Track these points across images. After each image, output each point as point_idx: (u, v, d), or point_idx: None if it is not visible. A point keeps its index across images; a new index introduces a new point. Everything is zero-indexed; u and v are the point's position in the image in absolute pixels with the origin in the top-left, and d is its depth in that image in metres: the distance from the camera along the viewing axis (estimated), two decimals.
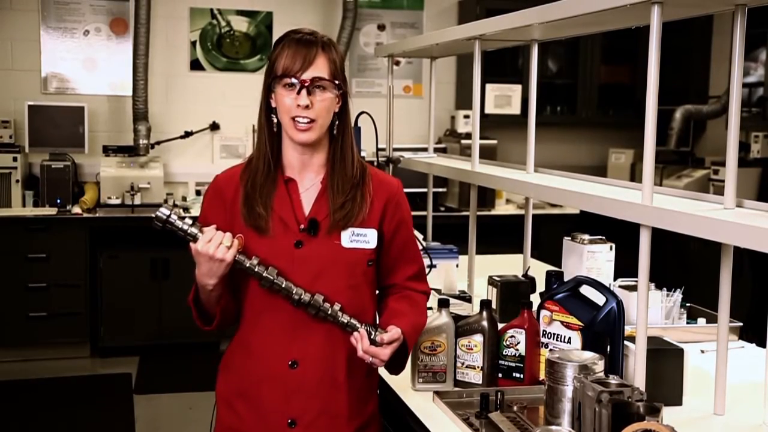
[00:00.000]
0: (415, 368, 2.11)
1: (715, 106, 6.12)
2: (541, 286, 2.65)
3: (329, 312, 1.78)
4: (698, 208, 1.83)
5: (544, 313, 2.08)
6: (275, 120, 1.84)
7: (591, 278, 2.09)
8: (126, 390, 4.87)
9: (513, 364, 2.09)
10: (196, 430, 4.20)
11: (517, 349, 2.09)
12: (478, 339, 2.11)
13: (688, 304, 2.67)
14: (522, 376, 2.08)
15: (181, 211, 5.03)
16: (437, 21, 6.38)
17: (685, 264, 5.40)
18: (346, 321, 1.79)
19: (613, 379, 1.72)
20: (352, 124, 1.97)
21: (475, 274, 3.02)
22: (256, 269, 1.77)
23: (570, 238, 2.64)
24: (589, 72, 6.51)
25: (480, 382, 2.10)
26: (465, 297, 2.73)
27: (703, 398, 2.00)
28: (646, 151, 1.81)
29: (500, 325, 2.15)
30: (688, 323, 2.60)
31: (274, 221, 1.81)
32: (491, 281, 2.73)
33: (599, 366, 1.80)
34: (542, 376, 2.03)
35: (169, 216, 1.77)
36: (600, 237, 2.61)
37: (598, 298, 2.02)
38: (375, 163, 3.01)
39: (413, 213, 1.98)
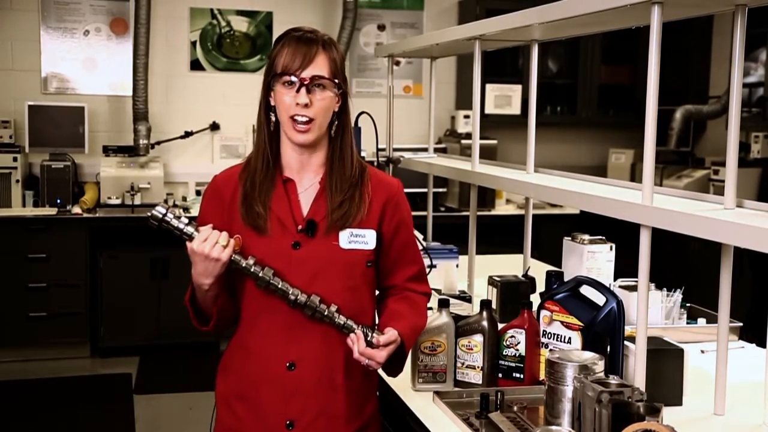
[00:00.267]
0: (415, 368, 2.11)
1: (715, 106, 6.12)
2: (541, 286, 2.65)
3: (325, 313, 1.77)
4: (698, 208, 1.83)
5: (544, 313, 2.08)
6: (274, 118, 1.84)
7: (591, 278, 2.09)
8: (126, 390, 4.87)
9: (513, 364, 2.09)
10: (196, 430, 4.20)
11: (517, 349, 2.09)
12: (478, 339, 2.11)
13: (688, 304, 2.67)
14: (522, 376, 2.08)
15: (180, 210, 5.06)
16: (437, 21, 6.39)
17: (685, 264, 5.40)
18: (342, 322, 1.78)
19: (613, 380, 1.72)
20: (352, 124, 1.96)
21: (475, 274, 3.02)
22: (252, 269, 1.76)
23: (570, 238, 2.64)
24: (589, 72, 6.51)
25: (480, 382, 2.10)
26: (465, 297, 2.73)
27: (703, 398, 2.00)
28: (646, 151, 1.81)
29: (500, 325, 2.15)
30: (688, 323, 2.60)
31: (272, 221, 1.80)
32: (491, 281, 2.73)
33: (599, 366, 1.80)
34: (542, 376, 2.03)
35: (165, 215, 1.76)
36: (600, 237, 2.61)
37: (598, 298, 2.02)
38: (375, 164, 3.01)
39: (413, 213, 1.96)
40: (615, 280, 2.58)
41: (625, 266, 2.56)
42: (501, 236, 4.57)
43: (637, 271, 1.85)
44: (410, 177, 3.37)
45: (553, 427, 1.75)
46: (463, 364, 2.12)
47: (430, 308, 2.04)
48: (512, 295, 2.61)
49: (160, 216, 1.76)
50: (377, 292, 1.94)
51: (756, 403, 1.96)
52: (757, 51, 5.94)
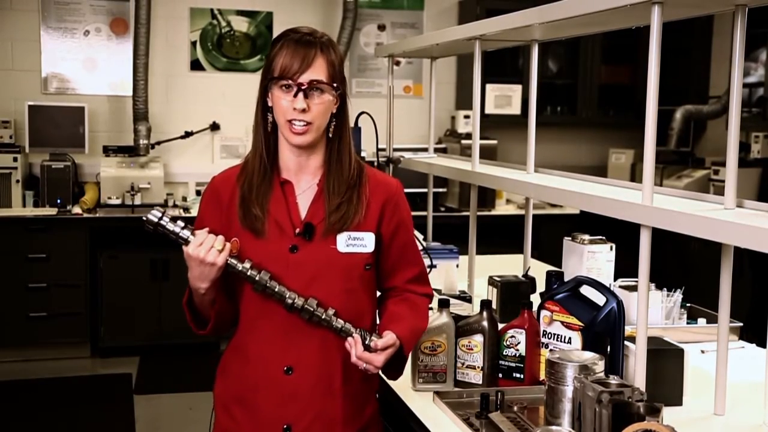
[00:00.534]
0: (415, 368, 2.11)
1: (716, 106, 6.12)
2: (541, 287, 2.65)
3: (323, 317, 1.75)
4: (698, 208, 1.83)
5: (544, 313, 2.08)
6: (271, 119, 1.83)
7: (591, 278, 2.09)
8: (126, 390, 4.87)
9: (513, 365, 2.09)
10: (195, 430, 4.20)
11: (518, 350, 2.09)
12: (478, 339, 2.11)
13: (688, 305, 2.67)
14: (522, 376, 2.08)
15: (180, 211, 5.05)
16: (437, 21, 6.38)
17: (685, 264, 5.40)
18: (339, 326, 1.76)
19: (614, 380, 1.72)
20: (351, 125, 1.95)
21: (475, 275, 3.02)
22: (248, 273, 1.74)
23: (570, 239, 2.64)
24: (590, 72, 6.51)
25: (480, 382, 2.10)
26: (465, 297, 2.73)
27: (703, 398, 2.00)
28: (647, 151, 1.81)
29: (500, 326, 2.15)
30: (688, 323, 2.60)
31: (270, 224, 1.78)
32: (491, 281, 2.73)
33: (599, 366, 1.80)
34: (542, 376, 2.03)
35: (160, 219, 1.75)
36: (600, 237, 2.61)
37: (599, 299, 2.02)
38: (375, 164, 3.02)
39: (413, 213, 1.95)
40: (615, 280, 2.58)
41: (625, 266, 2.56)
42: (501, 236, 4.57)
43: (637, 271, 1.85)
44: (410, 177, 3.37)
45: (554, 427, 1.75)
46: (463, 364, 2.12)
47: (431, 308, 2.04)
48: (512, 295, 2.61)
49: (155, 220, 1.75)
50: (378, 294, 1.93)
51: (756, 403, 1.96)
52: (757, 51, 5.94)
